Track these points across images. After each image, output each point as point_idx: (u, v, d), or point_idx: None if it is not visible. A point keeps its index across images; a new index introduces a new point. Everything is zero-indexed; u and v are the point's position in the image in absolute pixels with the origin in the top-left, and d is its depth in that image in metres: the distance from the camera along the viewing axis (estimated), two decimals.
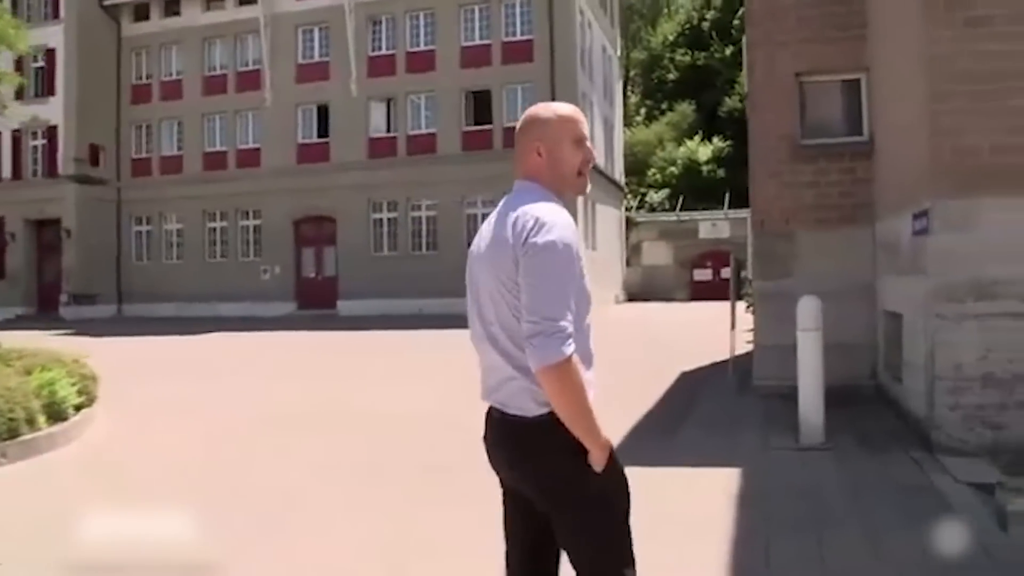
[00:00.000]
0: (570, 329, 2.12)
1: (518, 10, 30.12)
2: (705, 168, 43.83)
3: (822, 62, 9.43)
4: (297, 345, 19.41)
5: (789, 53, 9.45)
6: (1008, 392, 6.22)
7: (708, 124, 46.98)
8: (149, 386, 11.63)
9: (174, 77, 34.72)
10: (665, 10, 60.42)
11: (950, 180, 6.27)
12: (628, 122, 50.63)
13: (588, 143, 2.41)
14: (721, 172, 42.10)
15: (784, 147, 9.32)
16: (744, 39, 9.81)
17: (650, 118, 51.80)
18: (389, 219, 31.25)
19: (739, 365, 10.82)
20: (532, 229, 2.17)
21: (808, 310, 6.79)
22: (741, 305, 12.46)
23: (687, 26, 54.41)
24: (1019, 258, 6.12)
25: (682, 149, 45.76)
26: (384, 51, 31.48)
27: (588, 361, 2.26)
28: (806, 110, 9.63)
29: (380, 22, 31.57)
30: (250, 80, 33.13)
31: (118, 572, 4.41)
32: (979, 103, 6.18)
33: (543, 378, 2.13)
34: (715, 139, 45.23)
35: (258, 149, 33.21)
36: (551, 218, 2.19)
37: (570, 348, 2.11)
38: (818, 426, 6.78)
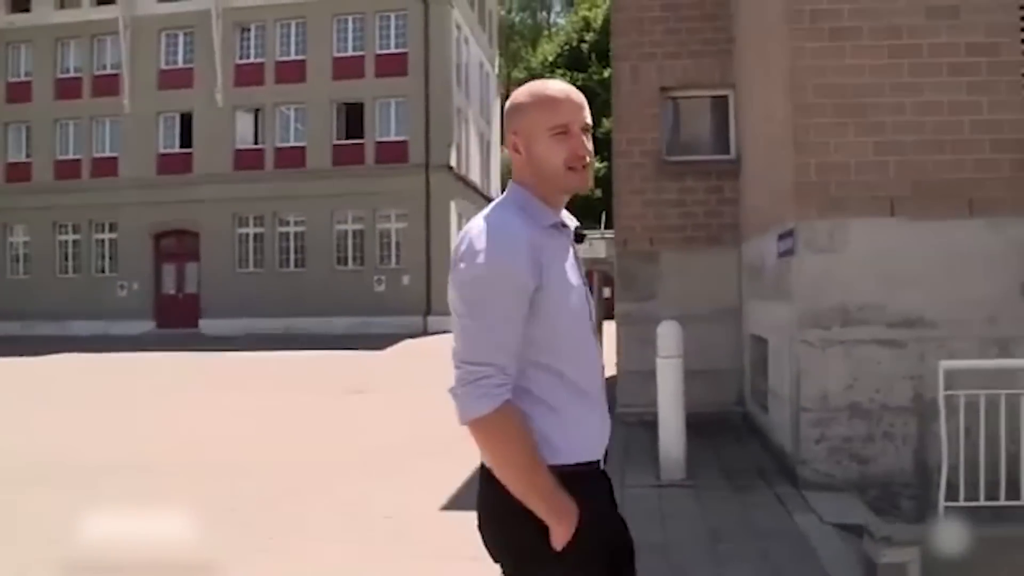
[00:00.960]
0: (499, 377, 1.73)
1: (393, 22, 29.44)
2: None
3: (689, 77, 9.12)
4: (131, 369, 18.02)
5: (655, 66, 9.10)
6: (875, 423, 5.89)
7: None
8: None
9: (22, 78, 32.38)
10: (545, 31, 60.89)
11: (815, 199, 5.91)
12: (505, 140, 50.43)
13: (578, 129, 1.90)
14: (598, 192, 42.32)
15: (648, 163, 8.94)
16: (610, 50, 9.42)
17: None
18: (255, 234, 29.94)
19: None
20: (462, 254, 1.80)
21: (668, 335, 6.32)
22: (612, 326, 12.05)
23: (566, 47, 54.93)
24: (886, 281, 5.81)
25: None
26: (252, 59, 30.24)
27: (579, 403, 1.85)
28: (672, 126, 9.29)
29: (249, 29, 30.33)
30: (107, 85, 31.23)
31: None
32: (845, 118, 5.86)
33: (472, 434, 1.76)
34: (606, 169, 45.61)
35: (115, 158, 31.31)
36: (486, 239, 1.78)
37: (495, 400, 1.72)
38: (679, 460, 6.30)
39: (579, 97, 1.93)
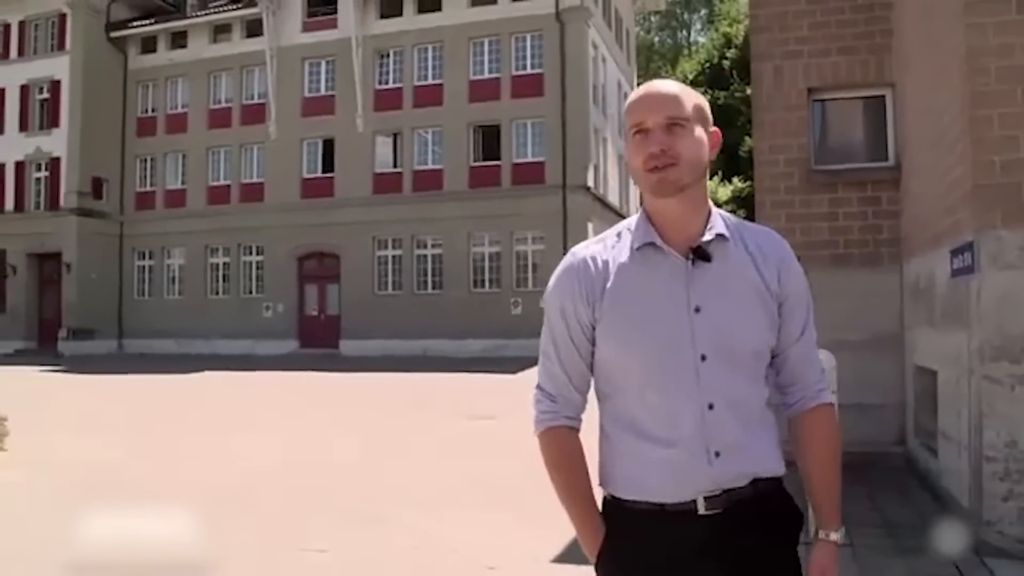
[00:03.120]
0: (546, 403, 1.83)
1: (529, 43, 29.11)
2: (725, 208, 42.48)
3: (839, 76, 8.14)
4: (284, 389, 18.13)
5: (800, 65, 8.17)
6: None
7: (728, 164, 45.97)
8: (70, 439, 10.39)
9: (179, 110, 34.03)
10: (685, 50, 59.62)
11: (1001, 204, 4.91)
12: None
13: (657, 126, 1.74)
14: (741, 212, 40.87)
15: (795, 173, 8.00)
16: (751, 51, 8.55)
17: None
18: (394, 256, 30.11)
19: None
20: None
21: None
22: None
23: (707, 65, 53.52)
24: None
25: None
26: (391, 84, 30.56)
27: (636, 440, 1.75)
28: (821, 131, 8.33)
29: (388, 55, 30.70)
30: (255, 113, 32.35)
31: None
32: None
33: None
34: (735, 179, 44.23)
35: (262, 183, 32.31)
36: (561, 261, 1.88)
37: (540, 425, 1.83)
38: None
39: (661, 90, 1.78)
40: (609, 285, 1.74)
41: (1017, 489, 4.88)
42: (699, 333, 1.71)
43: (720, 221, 1.82)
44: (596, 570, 1.81)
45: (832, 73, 8.17)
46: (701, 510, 1.72)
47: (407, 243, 29.73)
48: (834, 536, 1.93)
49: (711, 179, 45.06)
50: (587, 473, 1.82)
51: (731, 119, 47.12)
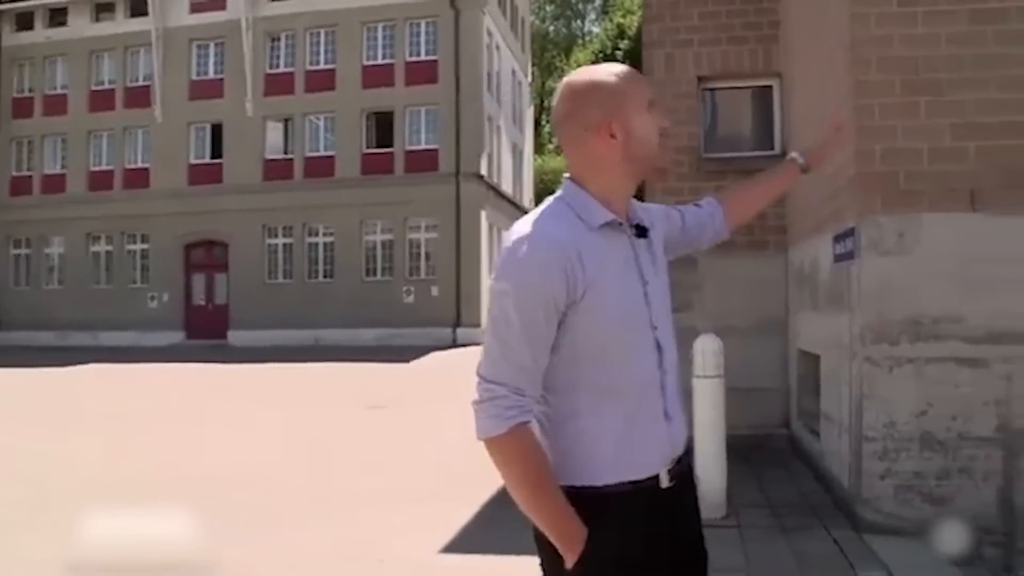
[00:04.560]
0: (512, 399, 1.66)
1: (423, 29, 28.86)
2: None
3: (729, 65, 8.27)
4: (169, 382, 17.45)
5: (691, 54, 8.27)
6: (951, 456, 4.98)
7: None
8: None
9: (59, 91, 32.38)
10: (580, 39, 60.15)
11: (881, 192, 5.04)
12: (540, 149, 49.79)
13: (656, 107, 1.87)
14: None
15: (685, 161, 8.09)
16: (643, 39, 8.61)
17: None
18: (284, 244, 29.46)
19: None
20: (498, 265, 1.76)
21: (707, 352, 5.47)
22: None
23: (601, 55, 54.15)
24: (967, 288, 4.92)
25: None
26: (282, 68, 29.85)
27: (611, 414, 1.74)
28: (711, 120, 8.45)
29: (279, 39, 29.94)
30: (139, 96, 31.11)
31: None
32: (916, 97, 4.99)
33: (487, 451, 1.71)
34: None
35: (147, 169, 31.13)
36: (520, 250, 1.70)
37: (506, 422, 1.65)
38: (719, 497, 5.45)
39: None
40: (587, 266, 1.69)
41: (894, 467, 5.03)
42: (651, 304, 1.80)
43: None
44: (574, 570, 1.69)
45: (722, 62, 8.29)
46: (664, 483, 1.78)
47: (298, 231, 29.12)
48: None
49: None
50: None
51: None
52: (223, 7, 29.96)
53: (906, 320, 5.01)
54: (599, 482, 1.72)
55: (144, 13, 30.74)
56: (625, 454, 1.73)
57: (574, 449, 1.74)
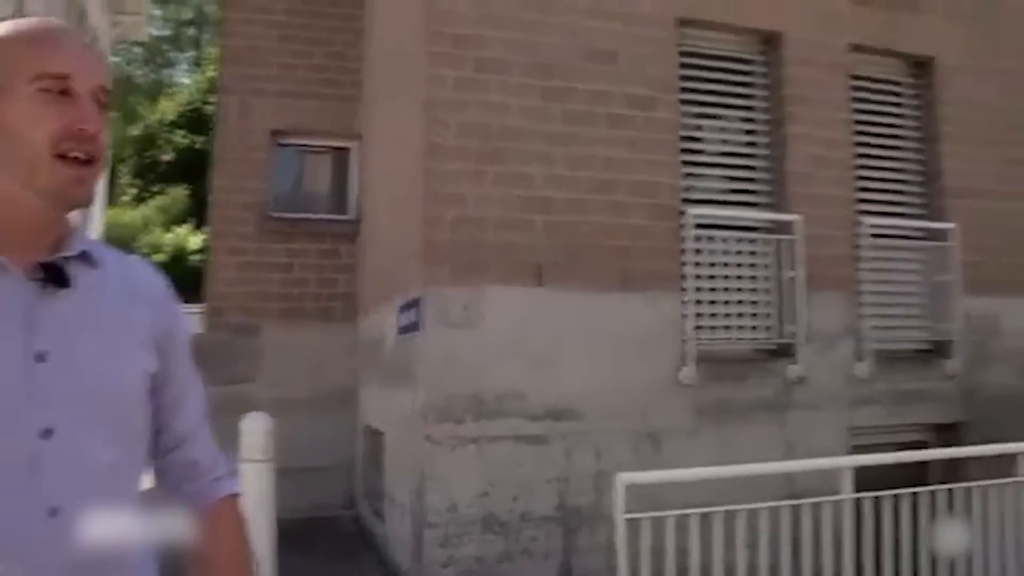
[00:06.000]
0: None
1: None
2: (194, 258, 40.87)
3: (307, 122, 7.82)
4: None
5: (269, 105, 7.68)
6: (513, 538, 4.78)
7: (201, 212, 44.45)
8: None
9: None
10: (167, 88, 57.02)
11: (448, 261, 4.80)
12: (114, 201, 45.85)
13: (86, 91, 1.13)
14: (195, 257, 39.58)
15: (251, 218, 7.43)
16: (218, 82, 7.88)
17: (140, 199, 47.67)
18: None
19: None
20: None
21: (255, 433, 4.74)
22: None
23: (189, 107, 51.71)
24: (530, 364, 4.82)
25: (170, 236, 42.40)
26: None
27: None
28: (284, 177, 7.90)
29: None
30: None
31: None
32: (487, 166, 4.87)
33: None
34: (207, 228, 42.86)
35: None
36: None
37: None
38: None
39: (86, 42, 1.17)
40: None
41: (456, 555, 4.71)
42: (43, 393, 1.08)
43: (81, 234, 1.22)
44: None
45: (300, 118, 7.81)
46: None
47: None
48: None
49: (181, 225, 43.17)
50: None
51: (208, 165, 45.89)
52: None
53: (470, 396, 4.77)
54: None
55: None
56: None
57: None
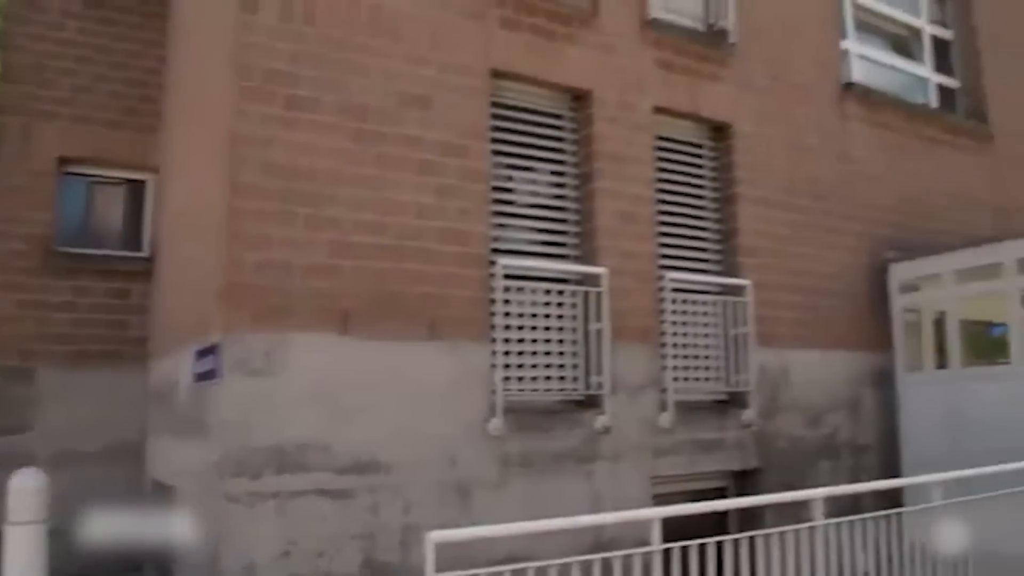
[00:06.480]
0: None
1: None
2: None
3: (100, 150, 7.27)
4: None
5: (56, 130, 7.10)
6: None
7: None
8: None
9: None
10: None
11: (249, 306, 4.54)
12: None
13: None
14: None
15: (32, 252, 6.80)
16: None
17: None
18: None
19: None
20: None
21: (25, 491, 4.27)
22: None
23: None
24: (334, 415, 4.64)
25: None
26: None
27: None
28: (72, 208, 7.30)
29: None
30: None
31: None
32: (294, 207, 4.68)
33: None
34: None
35: None
36: None
37: None
38: None
39: None
40: None
41: None
42: None
43: None
44: None
45: (92, 146, 7.25)
46: None
47: None
48: None
49: None
50: None
51: None
52: None
53: (270, 449, 4.51)
54: None
55: None
56: None
57: None
